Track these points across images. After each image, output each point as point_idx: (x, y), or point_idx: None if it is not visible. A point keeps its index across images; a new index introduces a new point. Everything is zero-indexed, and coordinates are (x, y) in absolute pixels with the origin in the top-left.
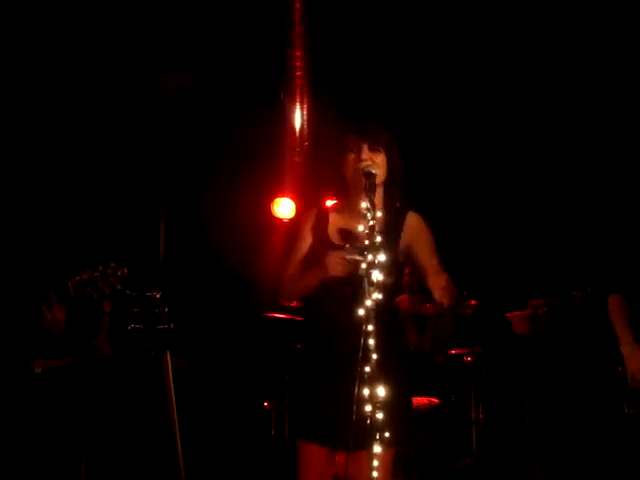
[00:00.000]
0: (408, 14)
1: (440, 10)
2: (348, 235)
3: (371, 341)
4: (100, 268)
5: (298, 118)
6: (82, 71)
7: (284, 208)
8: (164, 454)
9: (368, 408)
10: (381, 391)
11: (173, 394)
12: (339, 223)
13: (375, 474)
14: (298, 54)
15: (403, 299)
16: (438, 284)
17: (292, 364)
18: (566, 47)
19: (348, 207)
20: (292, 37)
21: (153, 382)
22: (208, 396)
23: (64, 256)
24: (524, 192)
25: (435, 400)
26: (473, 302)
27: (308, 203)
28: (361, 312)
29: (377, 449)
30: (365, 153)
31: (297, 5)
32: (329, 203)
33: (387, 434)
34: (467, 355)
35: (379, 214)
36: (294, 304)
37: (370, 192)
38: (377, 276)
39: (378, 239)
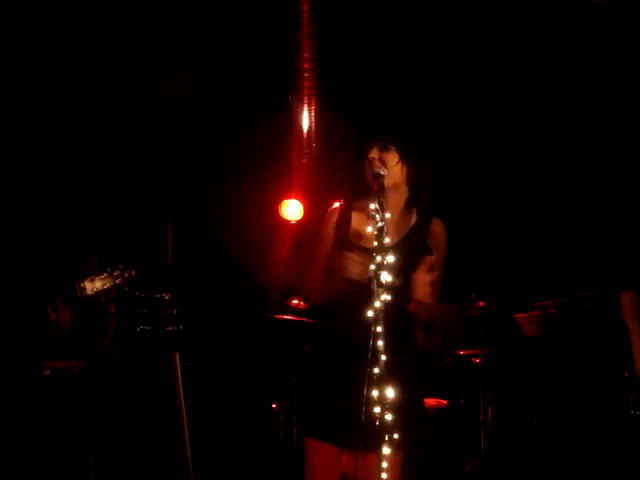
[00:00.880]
0: (417, 16)
1: (450, 11)
2: (359, 236)
3: (380, 342)
4: (108, 270)
5: (306, 120)
6: (92, 73)
7: (292, 210)
8: (173, 455)
9: (377, 409)
10: (390, 392)
11: (182, 395)
12: (361, 224)
13: (384, 475)
14: (306, 56)
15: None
16: (426, 285)
17: (300, 365)
18: (576, 54)
19: (366, 208)
20: (300, 39)
21: (162, 383)
22: (217, 397)
23: (72, 257)
24: (532, 194)
25: (444, 402)
26: (482, 304)
27: (315, 206)
28: (370, 313)
29: (386, 450)
30: (374, 152)
31: (305, 7)
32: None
33: (397, 436)
34: (476, 357)
35: (388, 215)
36: (302, 305)
37: (379, 193)
38: (386, 277)
39: (387, 240)
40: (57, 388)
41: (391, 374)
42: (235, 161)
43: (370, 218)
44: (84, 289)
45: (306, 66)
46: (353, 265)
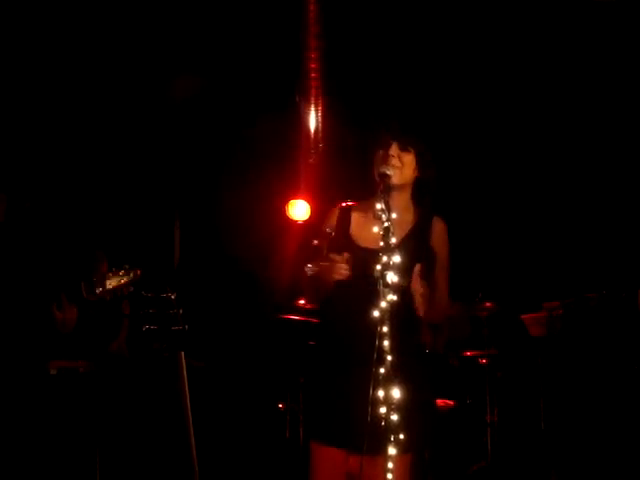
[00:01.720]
0: (425, 15)
1: (458, 10)
2: (358, 237)
3: (386, 342)
4: (113, 269)
5: (313, 120)
6: (100, 73)
7: (299, 210)
8: (179, 455)
9: (383, 410)
10: (396, 393)
11: (188, 395)
12: (361, 225)
13: (390, 476)
14: (313, 56)
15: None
16: (423, 293)
17: (307, 366)
18: (579, 51)
19: (371, 207)
20: (307, 39)
21: (168, 383)
22: (223, 397)
23: (79, 257)
24: (540, 194)
25: (450, 403)
26: (488, 304)
27: (323, 205)
28: (376, 314)
29: (392, 451)
30: (394, 150)
31: (312, 6)
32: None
33: (403, 437)
34: (482, 357)
35: (394, 215)
36: (309, 306)
37: (385, 193)
38: (392, 278)
39: (393, 240)
40: (63, 388)
41: (397, 375)
42: (242, 161)
43: (376, 218)
44: (89, 288)
45: (313, 66)
46: (333, 270)
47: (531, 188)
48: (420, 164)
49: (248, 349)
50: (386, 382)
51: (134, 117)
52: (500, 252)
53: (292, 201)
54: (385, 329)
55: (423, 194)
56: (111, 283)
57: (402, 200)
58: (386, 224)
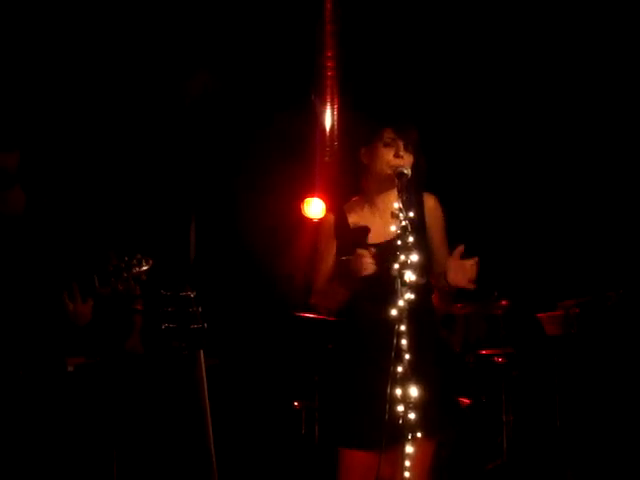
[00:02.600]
0: (438, 13)
1: (471, 9)
2: (363, 231)
3: (404, 341)
4: (125, 259)
5: (328, 118)
6: (120, 71)
7: (314, 208)
8: (197, 452)
9: (401, 408)
10: (414, 391)
11: (206, 393)
12: (359, 220)
13: (407, 474)
14: (329, 54)
15: (433, 298)
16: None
17: (323, 364)
18: (583, 48)
19: (368, 202)
20: (323, 37)
21: (186, 381)
22: (239, 395)
23: (95, 255)
24: (555, 191)
25: (466, 401)
26: (504, 302)
27: (339, 203)
28: (394, 312)
29: (409, 449)
30: (402, 151)
31: (328, 5)
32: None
33: (423, 432)
34: (498, 356)
35: (412, 214)
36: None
37: (402, 192)
38: (410, 276)
39: (410, 239)
40: (81, 384)
41: (416, 373)
42: (257, 159)
43: (393, 217)
44: (103, 280)
45: (329, 64)
46: (365, 262)
47: (547, 186)
48: (415, 162)
49: (264, 347)
50: (404, 381)
51: (152, 114)
52: (516, 250)
53: (308, 199)
54: (403, 327)
55: (414, 190)
56: (123, 273)
57: (393, 196)
58: (404, 223)
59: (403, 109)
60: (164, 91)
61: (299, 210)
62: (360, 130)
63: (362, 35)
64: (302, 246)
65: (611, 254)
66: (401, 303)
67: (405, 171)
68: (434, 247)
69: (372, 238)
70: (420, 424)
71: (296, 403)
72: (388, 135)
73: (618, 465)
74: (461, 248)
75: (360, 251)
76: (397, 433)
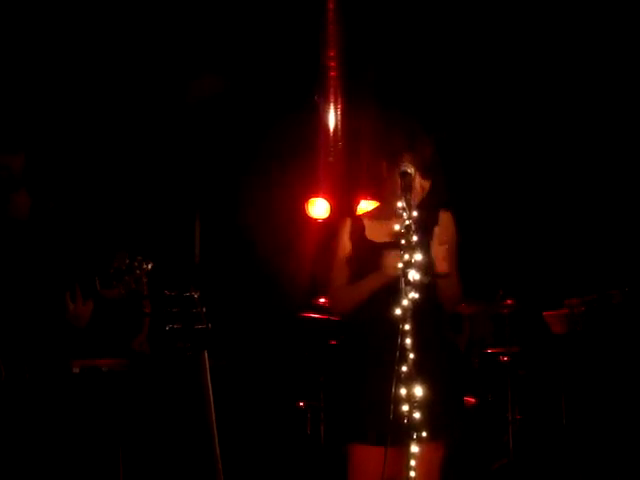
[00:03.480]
0: (442, 12)
1: (476, 7)
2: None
3: (408, 340)
4: (127, 262)
5: (332, 118)
6: (126, 73)
7: (318, 208)
8: (202, 453)
9: (406, 407)
10: (418, 391)
11: (211, 394)
12: (374, 224)
13: (412, 474)
14: (332, 54)
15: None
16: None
17: (328, 364)
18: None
19: (386, 211)
20: (326, 37)
21: (191, 382)
22: (244, 395)
23: (95, 253)
24: (560, 190)
25: (472, 400)
26: (509, 302)
27: (342, 205)
28: (398, 312)
29: (415, 449)
30: (417, 181)
31: (331, 5)
32: (362, 206)
33: (430, 432)
34: (504, 355)
35: (415, 213)
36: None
37: (406, 192)
38: (414, 275)
39: (415, 238)
40: (86, 386)
41: (421, 372)
42: (262, 160)
43: (397, 216)
44: (105, 282)
45: (332, 64)
46: (394, 261)
47: (552, 185)
48: (434, 184)
49: (269, 347)
50: (411, 379)
51: (157, 116)
52: (521, 249)
53: (312, 199)
54: (407, 327)
55: (432, 197)
56: (124, 276)
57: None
58: (407, 222)
59: (419, 125)
60: (169, 92)
61: (303, 210)
62: (380, 140)
63: (365, 34)
64: (306, 246)
65: (616, 252)
66: (405, 302)
67: (409, 170)
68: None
69: (383, 238)
70: (425, 424)
71: (301, 403)
72: (405, 159)
73: (624, 463)
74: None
75: (390, 253)
76: (403, 432)
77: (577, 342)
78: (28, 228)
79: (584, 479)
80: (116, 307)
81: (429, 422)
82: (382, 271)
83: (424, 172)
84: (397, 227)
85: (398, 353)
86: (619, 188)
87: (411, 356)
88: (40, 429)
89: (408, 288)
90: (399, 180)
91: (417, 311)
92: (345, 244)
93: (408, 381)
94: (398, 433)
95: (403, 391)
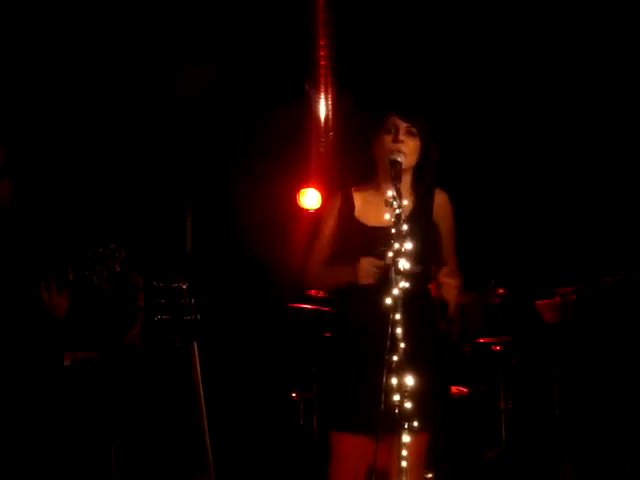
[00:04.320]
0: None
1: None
2: (379, 237)
3: (399, 330)
4: (100, 250)
5: (323, 108)
6: (114, 65)
7: (310, 199)
8: (192, 444)
9: (397, 397)
10: (409, 380)
11: (201, 385)
12: (366, 206)
13: (404, 464)
14: (322, 43)
15: (431, 287)
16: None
17: (320, 354)
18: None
19: (375, 190)
20: (316, 27)
21: (181, 373)
22: (236, 387)
23: (89, 247)
24: (552, 178)
25: (464, 390)
26: (501, 291)
27: (334, 189)
28: (389, 301)
29: (406, 438)
30: (402, 134)
31: None
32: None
33: (418, 421)
34: (496, 344)
35: (405, 202)
36: (321, 294)
37: (396, 180)
38: (404, 265)
39: (405, 227)
40: (77, 378)
41: (412, 361)
42: (253, 150)
43: (387, 205)
44: (77, 272)
45: (322, 54)
46: (369, 271)
47: (543, 172)
48: (423, 149)
49: (260, 338)
50: (401, 368)
51: (147, 106)
52: (512, 238)
53: (303, 190)
54: (398, 316)
55: (423, 179)
56: (97, 265)
57: (404, 185)
58: (398, 211)
59: (408, 95)
60: (159, 83)
61: (295, 201)
62: (370, 124)
63: (356, 23)
64: (298, 237)
65: (607, 240)
66: (396, 292)
67: (399, 159)
68: (441, 247)
69: (374, 221)
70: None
71: (294, 394)
72: (390, 121)
73: (617, 452)
74: (446, 268)
75: (366, 260)
76: (390, 421)
77: (569, 331)
78: (8, 217)
79: (577, 468)
80: (108, 299)
81: (416, 412)
82: (355, 273)
83: (409, 130)
84: (387, 216)
85: (389, 342)
86: (611, 176)
87: (402, 345)
88: (30, 421)
89: (399, 277)
90: (389, 168)
91: (407, 300)
92: (332, 220)
93: (399, 370)
94: (386, 422)
95: (393, 381)
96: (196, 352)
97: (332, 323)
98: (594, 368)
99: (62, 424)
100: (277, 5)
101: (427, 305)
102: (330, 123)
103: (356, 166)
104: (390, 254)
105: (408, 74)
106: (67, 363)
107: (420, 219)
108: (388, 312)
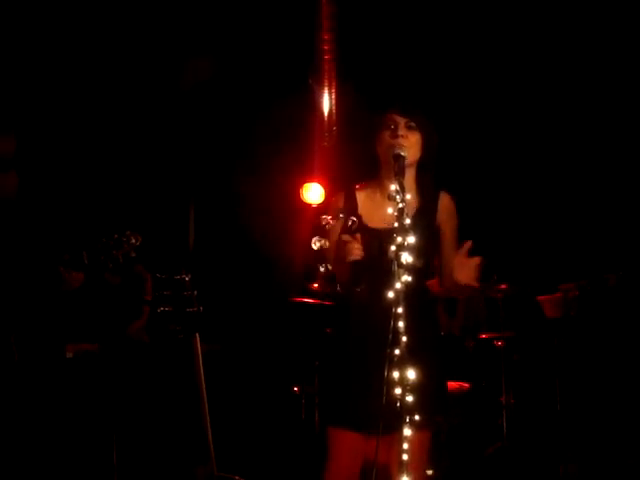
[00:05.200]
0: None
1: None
2: (381, 238)
3: (401, 324)
4: (115, 236)
5: (327, 102)
6: (113, 58)
7: (313, 193)
8: (194, 436)
9: (398, 391)
10: (411, 374)
11: (203, 377)
12: (369, 203)
13: (405, 457)
14: (326, 37)
15: (433, 282)
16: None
17: (322, 349)
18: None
19: (379, 187)
20: (320, 20)
21: (183, 365)
22: (238, 380)
23: (94, 240)
24: (554, 174)
25: (466, 385)
26: (504, 286)
27: (337, 188)
28: (391, 295)
29: (407, 432)
30: (402, 130)
31: None
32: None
33: (419, 416)
34: (498, 339)
35: (408, 196)
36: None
37: (399, 175)
38: (407, 258)
39: (407, 221)
40: (80, 370)
41: (412, 356)
42: (256, 144)
43: (390, 199)
44: (90, 255)
45: (326, 48)
46: (347, 250)
47: (546, 168)
48: (425, 144)
49: (263, 332)
50: (401, 363)
51: (151, 100)
52: (515, 233)
53: (306, 184)
54: (400, 310)
55: (426, 174)
56: (112, 250)
57: (407, 181)
58: (400, 205)
59: (407, 91)
60: (163, 76)
61: (298, 195)
62: (371, 121)
63: (360, 17)
64: (301, 231)
65: (610, 237)
66: (398, 285)
67: (402, 153)
68: (445, 248)
69: (376, 223)
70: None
71: (296, 388)
72: (390, 117)
73: (618, 447)
74: (468, 244)
75: (344, 237)
76: (390, 417)
77: (571, 326)
78: (16, 207)
79: (578, 463)
80: (115, 292)
81: (416, 406)
82: (343, 257)
83: (408, 124)
84: (390, 210)
85: (391, 336)
86: (613, 172)
87: (404, 339)
88: (31, 412)
89: (401, 271)
90: (392, 163)
91: (408, 294)
92: (335, 226)
93: (400, 365)
94: (385, 420)
95: (395, 374)
96: (199, 344)
97: (334, 317)
98: (596, 364)
99: (64, 415)
100: None
101: (427, 300)
102: (333, 117)
103: (359, 164)
104: (393, 248)
105: (409, 70)
106: (70, 355)
107: (423, 216)
108: (390, 306)
